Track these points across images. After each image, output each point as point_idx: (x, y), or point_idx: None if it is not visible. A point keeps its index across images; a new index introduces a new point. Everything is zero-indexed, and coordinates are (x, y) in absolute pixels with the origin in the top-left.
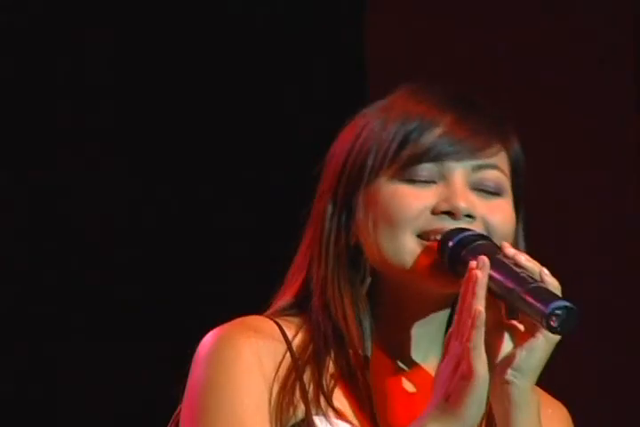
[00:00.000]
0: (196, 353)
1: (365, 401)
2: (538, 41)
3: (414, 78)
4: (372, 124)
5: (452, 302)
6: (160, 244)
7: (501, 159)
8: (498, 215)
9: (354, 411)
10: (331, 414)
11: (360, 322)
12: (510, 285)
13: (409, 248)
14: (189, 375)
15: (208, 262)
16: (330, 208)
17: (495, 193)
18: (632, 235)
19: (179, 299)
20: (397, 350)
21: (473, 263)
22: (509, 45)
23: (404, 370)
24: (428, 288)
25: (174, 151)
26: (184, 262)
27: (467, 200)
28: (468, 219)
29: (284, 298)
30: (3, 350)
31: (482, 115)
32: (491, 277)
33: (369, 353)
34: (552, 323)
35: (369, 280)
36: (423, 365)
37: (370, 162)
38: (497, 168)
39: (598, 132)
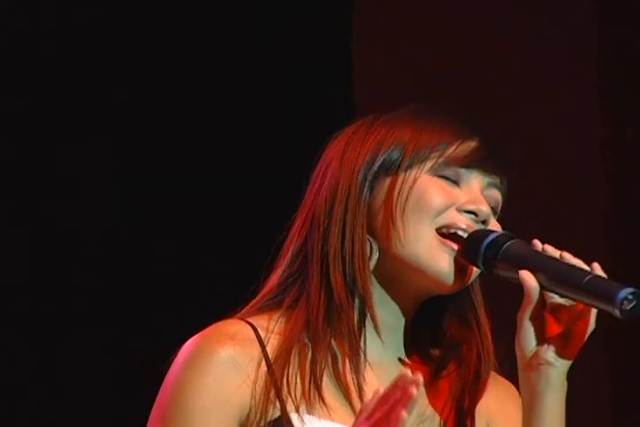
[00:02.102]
0: (174, 360)
1: (344, 393)
2: (533, 51)
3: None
4: (410, 123)
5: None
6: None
7: (504, 185)
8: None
9: (330, 405)
10: (304, 409)
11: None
12: (567, 277)
13: (425, 236)
14: (165, 379)
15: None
16: (354, 189)
17: (494, 212)
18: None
19: (180, 298)
20: (371, 337)
21: (407, 372)
22: (500, 54)
23: (373, 361)
24: (429, 275)
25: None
26: (185, 263)
27: (487, 207)
28: (481, 224)
29: (272, 279)
30: (3, 349)
31: (496, 143)
32: (542, 272)
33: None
34: (625, 307)
35: (375, 256)
36: (390, 356)
37: (407, 154)
38: (501, 190)
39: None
